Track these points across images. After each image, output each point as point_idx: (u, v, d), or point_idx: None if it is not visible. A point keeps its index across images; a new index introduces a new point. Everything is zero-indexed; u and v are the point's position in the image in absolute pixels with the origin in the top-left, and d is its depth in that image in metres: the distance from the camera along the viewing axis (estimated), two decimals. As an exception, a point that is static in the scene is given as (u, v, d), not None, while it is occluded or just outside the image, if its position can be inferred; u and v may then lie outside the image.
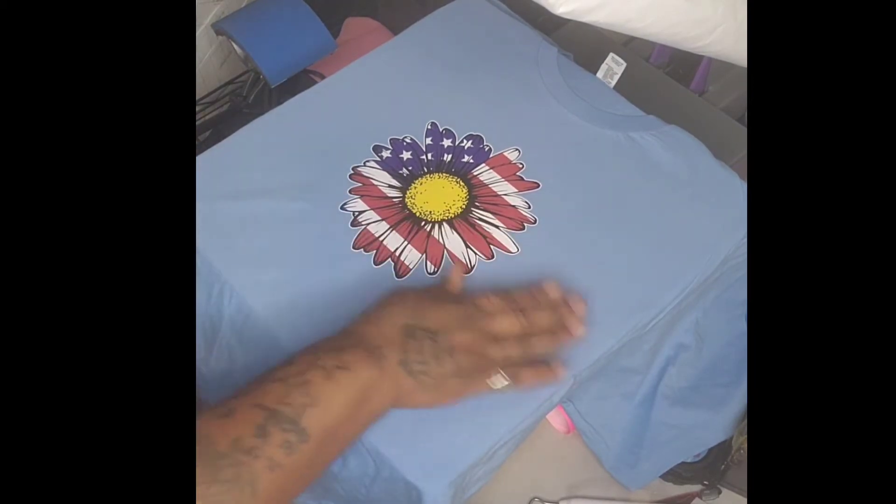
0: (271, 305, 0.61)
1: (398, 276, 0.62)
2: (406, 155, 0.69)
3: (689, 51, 0.65)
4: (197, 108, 0.90)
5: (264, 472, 0.46)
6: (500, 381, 0.55)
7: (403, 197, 0.66)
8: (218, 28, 0.92)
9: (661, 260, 0.63)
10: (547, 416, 0.72)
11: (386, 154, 0.69)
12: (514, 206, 0.66)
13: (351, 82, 0.74)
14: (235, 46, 0.92)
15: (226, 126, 0.89)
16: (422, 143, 0.70)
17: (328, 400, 0.49)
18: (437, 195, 0.67)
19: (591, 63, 0.78)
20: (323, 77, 0.84)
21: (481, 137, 0.70)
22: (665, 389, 0.69)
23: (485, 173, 0.68)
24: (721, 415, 0.71)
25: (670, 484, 0.77)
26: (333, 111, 0.72)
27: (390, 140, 0.70)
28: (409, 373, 0.53)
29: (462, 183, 0.68)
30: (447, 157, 0.69)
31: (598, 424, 0.71)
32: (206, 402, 0.62)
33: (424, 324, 0.54)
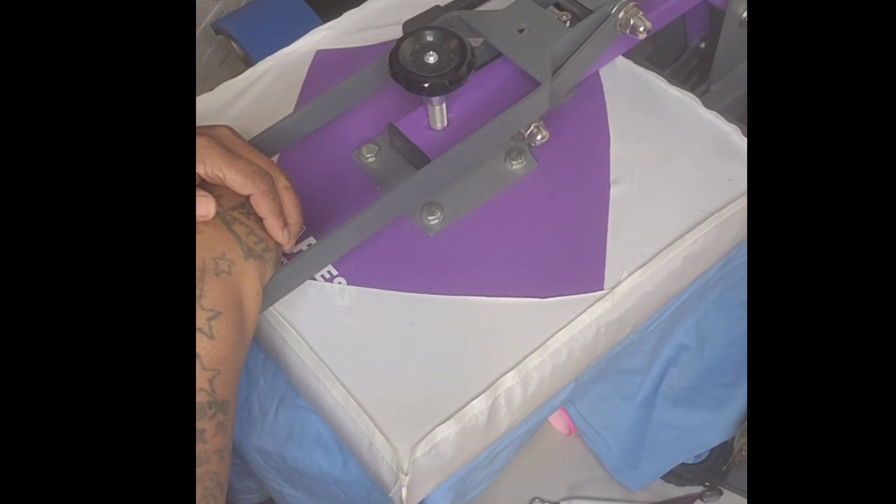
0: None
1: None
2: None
3: None
4: (196, 108, 0.90)
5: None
6: None
7: None
8: (217, 27, 0.92)
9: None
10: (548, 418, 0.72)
11: None
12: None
13: None
14: (235, 45, 0.92)
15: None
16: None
17: None
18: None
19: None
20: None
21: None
22: (666, 390, 0.69)
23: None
24: (722, 415, 0.71)
25: (671, 485, 0.77)
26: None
27: None
28: None
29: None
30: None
31: (599, 425, 0.71)
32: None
33: None
